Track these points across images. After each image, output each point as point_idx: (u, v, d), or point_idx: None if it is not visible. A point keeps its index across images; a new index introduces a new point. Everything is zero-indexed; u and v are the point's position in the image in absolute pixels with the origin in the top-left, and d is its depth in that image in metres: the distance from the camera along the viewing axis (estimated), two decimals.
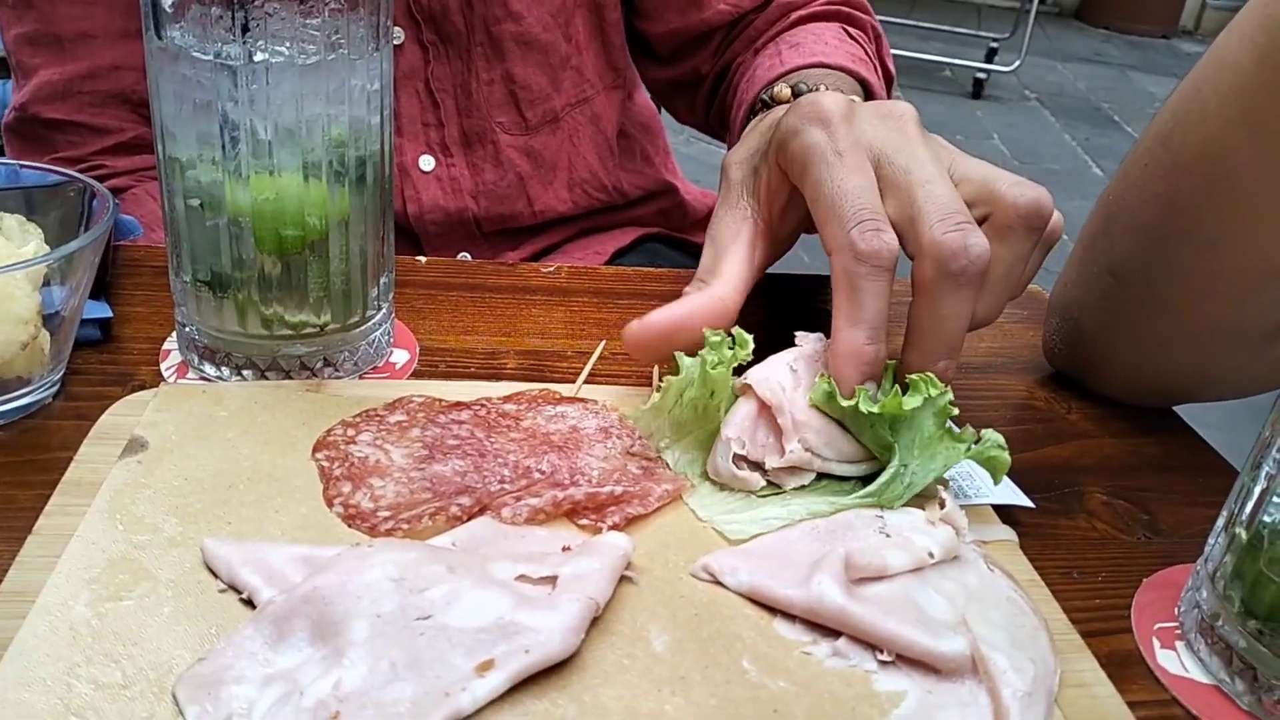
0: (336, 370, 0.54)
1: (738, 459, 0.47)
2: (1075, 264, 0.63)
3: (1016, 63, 4.82)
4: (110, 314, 0.56)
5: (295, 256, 0.50)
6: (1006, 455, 0.46)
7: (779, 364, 0.49)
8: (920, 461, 0.46)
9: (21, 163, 0.55)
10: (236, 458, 0.46)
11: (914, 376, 0.46)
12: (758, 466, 0.47)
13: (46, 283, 0.48)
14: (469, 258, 0.97)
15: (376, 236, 0.53)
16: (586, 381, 0.56)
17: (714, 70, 0.93)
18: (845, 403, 0.46)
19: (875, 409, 0.46)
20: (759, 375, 0.48)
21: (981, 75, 4.89)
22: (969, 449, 0.46)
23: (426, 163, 0.92)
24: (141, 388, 0.52)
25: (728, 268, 0.54)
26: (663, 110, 1.14)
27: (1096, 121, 4.78)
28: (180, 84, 0.47)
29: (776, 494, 0.48)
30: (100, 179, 0.85)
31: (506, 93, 0.91)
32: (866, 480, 0.48)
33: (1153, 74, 5.92)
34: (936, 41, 5.43)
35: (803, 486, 0.48)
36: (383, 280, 0.56)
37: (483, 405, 0.52)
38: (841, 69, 0.78)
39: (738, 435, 0.47)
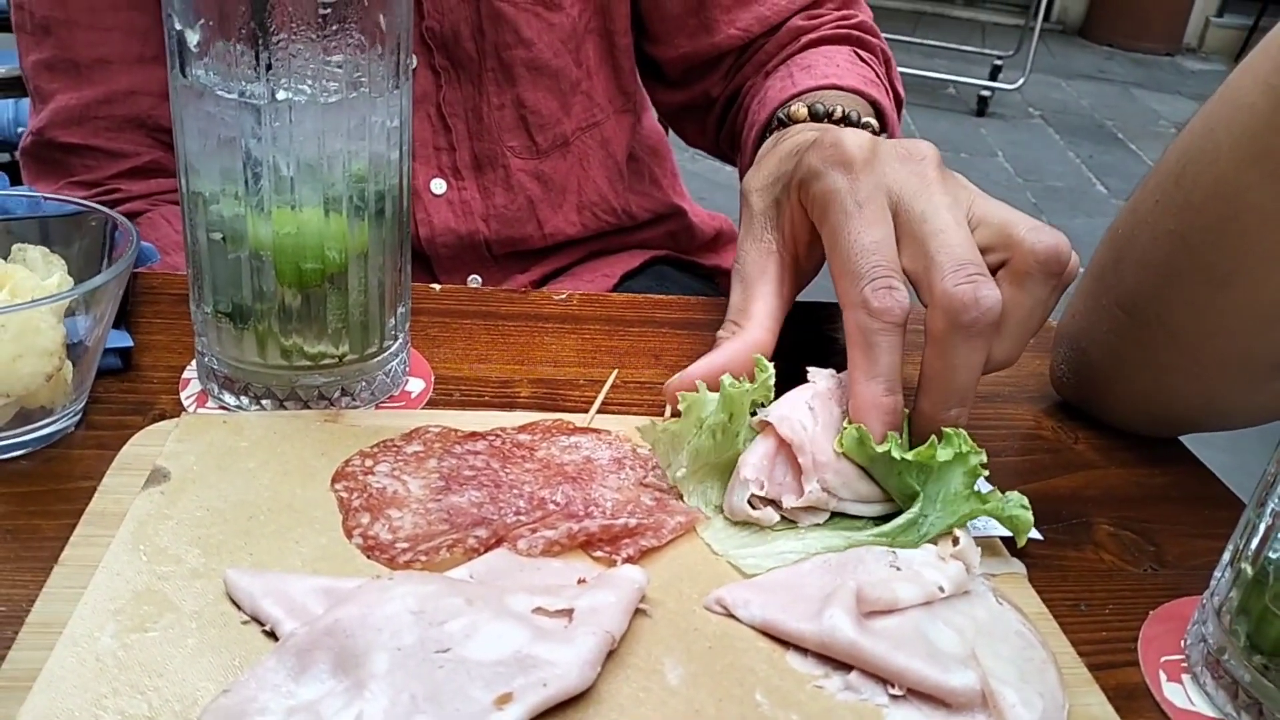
0: (354, 400, 0.55)
1: (754, 498, 0.48)
2: (1084, 295, 0.64)
3: (1021, 80, 4.84)
4: (131, 343, 0.57)
5: (315, 289, 0.51)
6: (1029, 516, 0.47)
7: (798, 402, 0.49)
8: (941, 515, 0.47)
9: (45, 194, 0.56)
10: (257, 488, 0.47)
11: (948, 431, 0.48)
12: (773, 503, 0.48)
13: (70, 313, 0.49)
14: (479, 280, 0.98)
15: (394, 268, 0.54)
16: (599, 411, 0.57)
17: (724, 94, 0.94)
18: (879, 448, 0.47)
19: (909, 456, 0.47)
20: (779, 413, 0.49)
21: (986, 93, 4.91)
22: (991, 511, 0.47)
23: (438, 186, 0.93)
24: (162, 416, 0.53)
25: (759, 309, 0.55)
26: (670, 132, 1.15)
27: (1100, 139, 4.80)
28: (204, 120, 0.48)
29: (790, 528, 0.48)
30: (115, 203, 0.86)
31: (517, 117, 0.92)
32: (880, 519, 0.49)
33: (1157, 91, 5.94)
34: (941, 59, 5.45)
35: (817, 523, 0.49)
36: (400, 310, 0.56)
37: (498, 435, 0.52)
38: (853, 91, 0.79)
39: (755, 476, 0.48)
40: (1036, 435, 0.64)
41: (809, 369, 0.52)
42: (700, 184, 1.06)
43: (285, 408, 0.54)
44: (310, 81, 0.48)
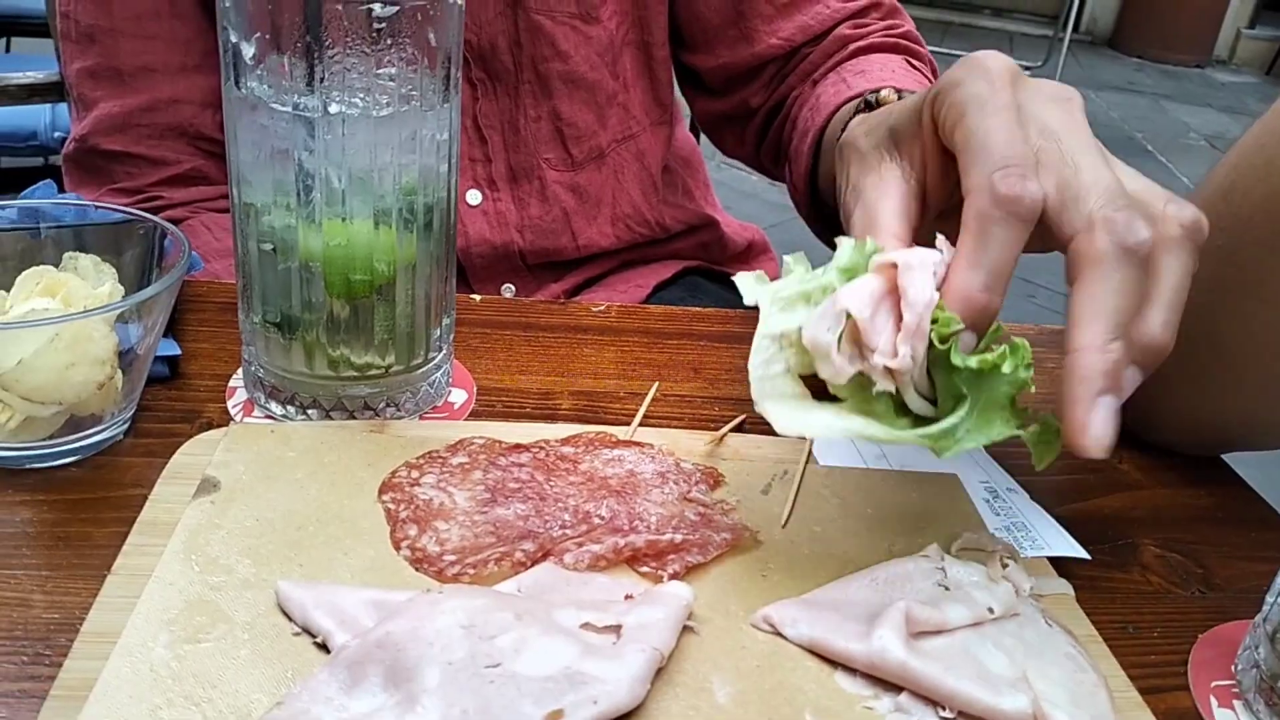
0: (398, 410, 0.55)
1: (848, 339, 0.43)
2: None
3: None
4: (178, 351, 0.57)
5: (363, 300, 0.52)
6: (1058, 444, 0.44)
7: (927, 260, 0.44)
8: (975, 423, 0.43)
9: (94, 203, 0.57)
10: (305, 498, 0.47)
11: (1016, 340, 0.43)
12: (856, 349, 0.43)
13: (122, 322, 0.49)
14: (513, 289, 0.99)
15: (441, 280, 0.55)
16: (641, 424, 0.57)
17: (766, 103, 0.93)
18: (938, 345, 0.42)
19: (971, 363, 0.42)
20: (909, 260, 0.43)
21: None
22: (1022, 428, 0.44)
23: (474, 197, 0.93)
24: (209, 425, 0.53)
25: (886, 223, 0.49)
26: (701, 141, 1.15)
27: (1131, 151, 4.76)
28: (257, 133, 0.49)
29: (830, 400, 0.44)
30: (157, 210, 0.87)
31: (553, 129, 0.93)
32: (898, 415, 0.45)
33: (1187, 104, 5.90)
34: None
35: (849, 403, 0.44)
36: (444, 321, 0.57)
37: (541, 448, 0.53)
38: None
39: (858, 308, 0.42)
40: None
41: (939, 238, 0.47)
42: (726, 193, 1.06)
43: (331, 418, 0.54)
44: (362, 95, 0.48)
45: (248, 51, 0.47)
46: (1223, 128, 5.44)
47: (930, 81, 0.85)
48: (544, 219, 0.95)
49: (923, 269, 0.43)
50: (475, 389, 0.60)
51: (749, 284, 0.46)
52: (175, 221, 0.88)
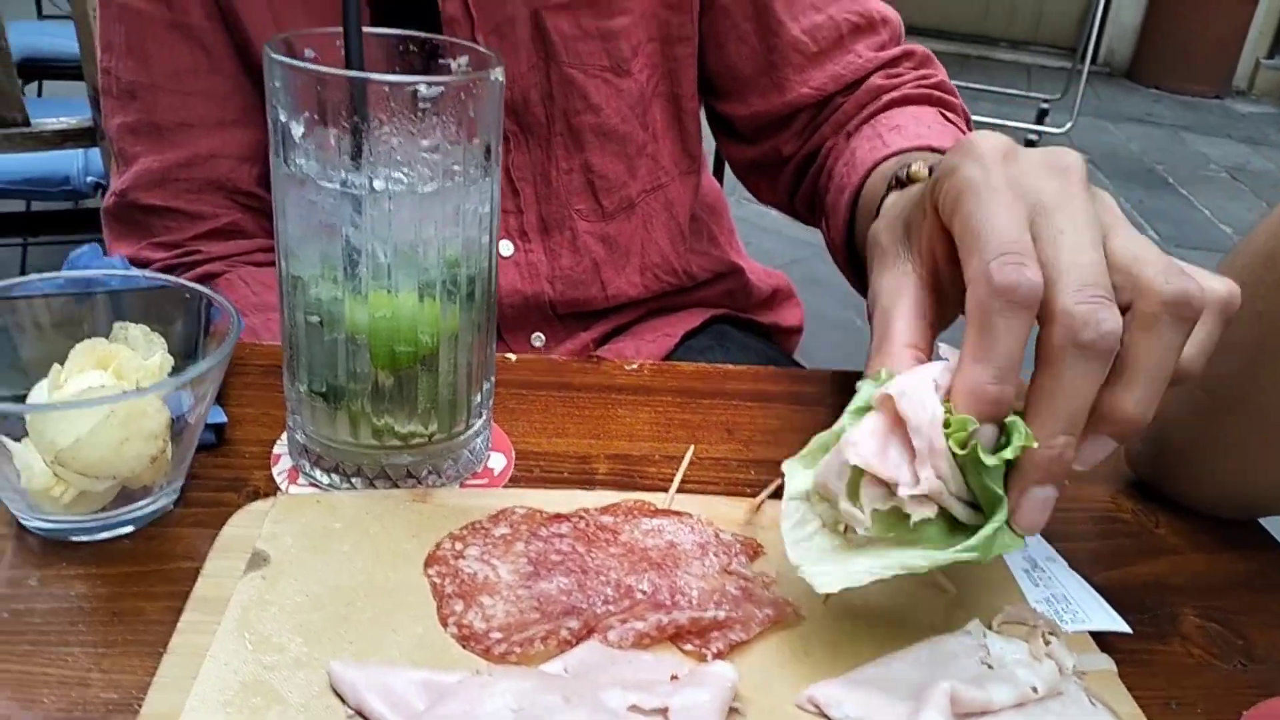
0: (440, 477, 0.56)
1: (869, 480, 0.43)
2: None
3: (1069, 124, 4.82)
4: (225, 419, 0.58)
5: (407, 370, 0.52)
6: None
7: (924, 378, 0.44)
8: (1008, 531, 0.44)
9: (146, 274, 0.58)
10: (352, 572, 0.47)
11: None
12: (882, 486, 0.44)
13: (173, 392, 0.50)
14: (543, 337, 1.00)
15: (482, 347, 0.55)
16: (678, 490, 0.57)
17: (799, 152, 0.94)
18: (959, 450, 0.43)
19: (995, 461, 0.42)
20: (902, 387, 0.44)
21: (1033, 136, 4.90)
22: None
23: (506, 248, 0.94)
24: (256, 493, 0.54)
25: (898, 331, 0.49)
26: (724, 185, 1.15)
27: (1150, 183, 4.76)
28: (305, 208, 0.50)
29: (868, 543, 0.45)
30: (195, 264, 0.89)
31: (585, 181, 0.94)
32: (952, 533, 0.45)
33: (1206, 135, 5.89)
34: (986, 102, 5.45)
35: (892, 537, 0.44)
36: (485, 386, 0.57)
37: (581, 517, 0.53)
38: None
39: (863, 453, 0.43)
40: (1116, 518, 0.63)
41: (941, 345, 0.48)
42: (747, 229, 1.07)
43: (375, 486, 0.55)
44: (406, 170, 0.49)
45: (296, 131, 0.48)
46: (1243, 159, 5.43)
47: (964, 134, 0.85)
48: (574, 270, 0.96)
49: (918, 390, 0.43)
50: (513, 453, 0.61)
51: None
52: (213, 275, 0.89)
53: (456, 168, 0.50)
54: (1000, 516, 0.43)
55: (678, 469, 0.60)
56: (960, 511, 0.44)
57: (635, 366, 0.74)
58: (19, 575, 0.48)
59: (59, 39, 2.64)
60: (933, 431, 0.43)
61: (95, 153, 1.91)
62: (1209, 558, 0.60)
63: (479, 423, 0.57)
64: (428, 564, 0.49)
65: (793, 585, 0.50)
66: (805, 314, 1.20)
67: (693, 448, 0.62)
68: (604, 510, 0.54)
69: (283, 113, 0.48)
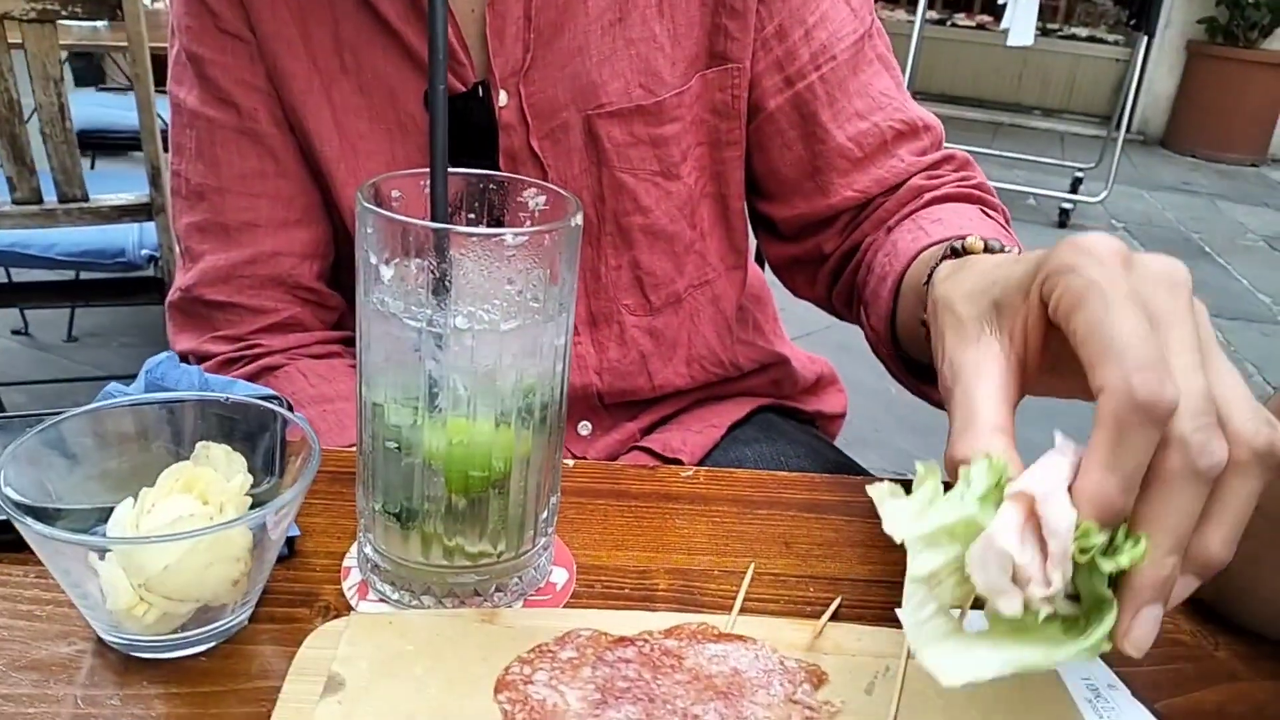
0: (505, 595, 0.57)
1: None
2: None
3: (1104, 193, 4.82)
4: (298, 532, 0.60)
5: (480, 493, 0.54)
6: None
7: (1061, 481, 0.45)
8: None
9: (230, 397, 0.60)
10: (426, 698, 0.48)
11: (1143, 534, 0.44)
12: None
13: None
14: (590, 425, 1.01)
15: (551, 468, 0.57)
16: (740, 612, 0.58)
17: (840, 248, 0.96)
18: (1080, 557, 0.43)
19: (1112, 569, 0.43)
20: (1045, 490, 0.44)
21: (1068, 205, 4.90)
22: None
23: None
24: (327, 609, 0.56)
25: (986, 414, 0.49)
26: (766, 270, 1.17)
27: (1188, 253, 4.75)
28: (389, 341, 0.52)
29: (983, 635, 0.45)
30: (256, 357, 0.91)
31: (633, 278, 0.96)
32: (1064, 630, 0.46)
33: (1243, 203, 5.88)
34: (1020, 170, 5.48)
35: (1005, 630, 0.45)
36: (551, 501, 0.59)
37: (645, 641, 0.54)
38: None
39: (1014, 544, 0.43)
40: (1175, 640, 0.63)
41: (1057, 434, 0.48)
42: (779, 294, 1.09)
43: (443, 604, 0.56)
44: (487, 308, 0.51)
45: (386, 273, 0.50)
46: None
47: (1006, 233, 0.87)
48: (621, 361, 0.98)
49: (1059, 496, 0.44)
50: (575, 568, 0.62)
51: (888, 509, 0.47)
52: (273, 368, 0.92)
53: (535, 304, 0.52)
54: (1110, 618, 0.44)
55: (737, 585, 0.61)
56: (1062, 605, 0.45)
57: (690, 473, 0.75)
58: (101, 694, 0.50)
59: (116, 111, 2.74)
60: (1069, 538, 0.44)
61: (150, 227, 1.96)
62: (1273, 685, 0.60)
63: (544, 540, 0.59)
64: (497, 689, 0.50)
65: (857, 714, 0.51)
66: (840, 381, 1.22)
67: (752, 566, 0.63)
68: (668, 633, 0.55)
69: (373, 255, 0.50)
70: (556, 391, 0.55)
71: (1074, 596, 0.46)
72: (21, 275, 2.42)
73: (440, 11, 0.51)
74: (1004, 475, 0.46)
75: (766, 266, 1.11)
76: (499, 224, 0.56)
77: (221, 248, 0.92)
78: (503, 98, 0.86)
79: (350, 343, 0.95)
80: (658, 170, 0.92)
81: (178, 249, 0.97)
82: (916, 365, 0.82)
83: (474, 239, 0.49)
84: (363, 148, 0.89)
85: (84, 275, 2.23)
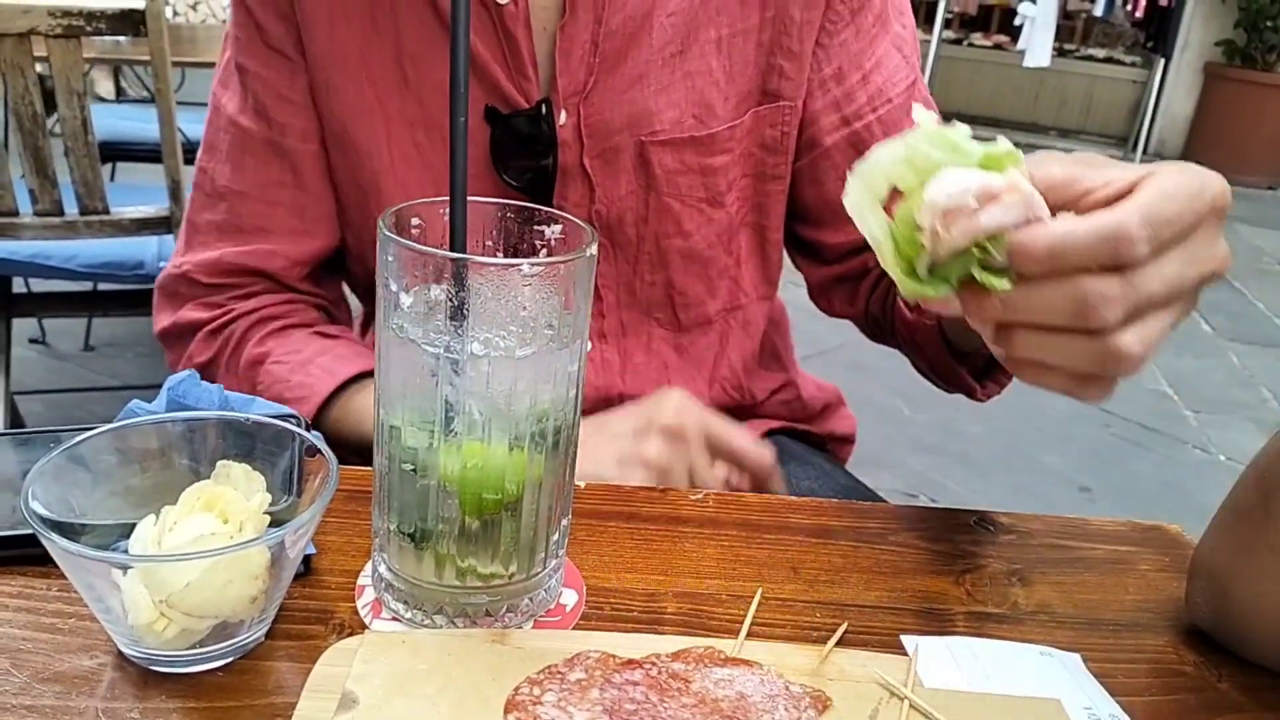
0: (515, 615, 0.58)
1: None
2: (1224, 532, 0.65)
3: None
4: (314, 550, 0.61)
5: (493, 515, 0.55)
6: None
7: (1035, 204, 0.54)
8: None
9: (251, 417, 0.61)
10: (437, 717, 0.49)
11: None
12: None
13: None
14: None
15: (563, 492, 0.58)
16: (747, 636, 0.59)
17: None
18: (975, 253, 0.54)
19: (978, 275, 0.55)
20: (1030, 195, 0.54)
21: None
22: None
23: None
24: (342, 626, 0.57)
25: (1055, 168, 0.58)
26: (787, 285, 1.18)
27: None
28: (407, 366, 0.53)
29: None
30: (229, 322, 0.92)
31: (665, 295, 0.98)
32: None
33: (1260, 226, 5.86)
34: None
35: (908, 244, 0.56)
36: (562, 523, 0.60)
37: (653, 664, 0.55)
38: None
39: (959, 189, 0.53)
40: (1178, 671, 0.63)
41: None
42: (793, 312, 1.11)
43: (455, 624, 0.57)
44: (503, 335, 0.52)
45: (405, 300, 0.51)
46: None
47: None
48: (646, 366, 1.00)
49: (1023, 205, 0.53)
50: (584, 589, 0.63)
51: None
52: (266, 320, 0.92)
53: (550, 331, 0.53)
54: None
55: (744, 610, 0.62)
56: (921, 268, 0.57)
57: (700, 496, 0.76)
58: (121, 706, 0.51)
59: (136, 123, 2.76)
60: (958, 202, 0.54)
61: (169, 239, 1.99)
62: (1274, 718, 0.60)
63: (555, 561, 0.60)
64: (507, 709, 0.51)
65: None
66: (851, 399, 1.23)
67: (760, 590, 0.64)
68: (675, 656, 0.56)
69: (393, 283, 0.51)
70: (569, 416, 0.56)
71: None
72: (38, 285, 2.44)
73: (462, 46, 0.53)
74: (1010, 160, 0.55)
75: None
76: (516, 253, 0.58)
77: (231, 244, 0.94)
78: (563, 116, 0.88)
79: (320, 310, 0.98)
80: (704, 198, 0.94)
81: (179, 233, 0.99)
82: (970, 359, 0.90)
83: (491, 268, 0.50)
84: (416, 159, 0.91)
85: (101, 286, 2.26)
